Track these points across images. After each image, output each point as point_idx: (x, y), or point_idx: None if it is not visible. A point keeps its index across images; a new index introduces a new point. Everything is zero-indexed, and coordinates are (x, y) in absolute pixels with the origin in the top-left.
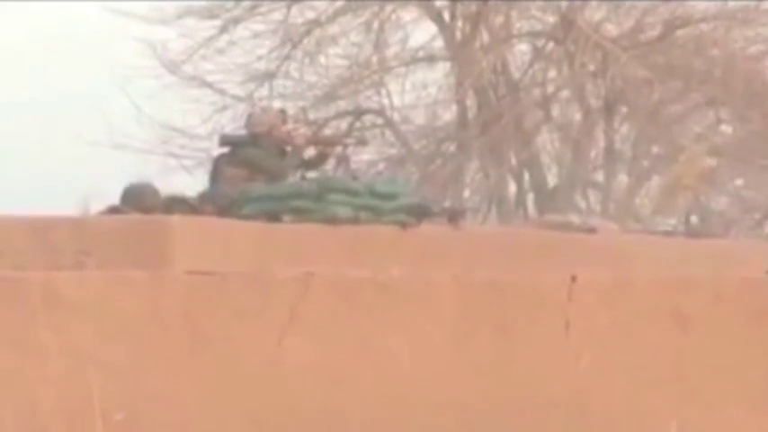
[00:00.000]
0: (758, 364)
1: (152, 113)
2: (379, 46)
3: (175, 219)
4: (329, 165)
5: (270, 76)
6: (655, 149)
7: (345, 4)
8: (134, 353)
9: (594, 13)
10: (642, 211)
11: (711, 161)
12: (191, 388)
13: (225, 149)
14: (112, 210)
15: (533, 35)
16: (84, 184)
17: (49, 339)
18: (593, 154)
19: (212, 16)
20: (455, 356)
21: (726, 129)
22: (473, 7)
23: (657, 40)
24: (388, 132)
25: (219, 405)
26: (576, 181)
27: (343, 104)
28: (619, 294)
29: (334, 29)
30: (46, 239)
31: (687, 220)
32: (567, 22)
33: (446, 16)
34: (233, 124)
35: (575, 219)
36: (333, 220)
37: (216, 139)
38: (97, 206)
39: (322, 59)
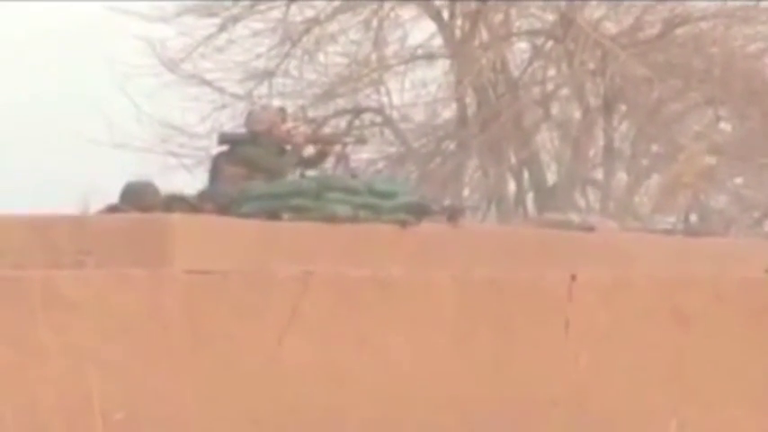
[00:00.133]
0: (758, 362)
1: (151, 112)
2: (378, 44)
3: (175, 217)
4: (328, 163)
5: (269, 74)
6: (654, 148)
7: (344, 2)
8: (134, 352)
9: (594, 11)
10: (641, 210)
11: (711, 159)
12: (190, 387)
13: (224, 148)
14: (112, 208)
15: (533, 33)
16: (84, 183)
17: (49, 338)
18: (592, 152)
19: (211, 14)
20: (454, 355)
21: (725, 127)
22: (472, 5)
23: (657, 38)
24: (387, 131)
25: (219, 404)
26: (575, 179)
27: (342, 103)
28: (618, 293)
29: (333, 27)
30: (46, 238)
31: (687, 219)
32: (566, 21)
33: (445, 14)
34: (232, 122)
35: (574, 217)
36: (332, 219)
37: (215, 138)
38: (97, 205)
39: (321, 58)
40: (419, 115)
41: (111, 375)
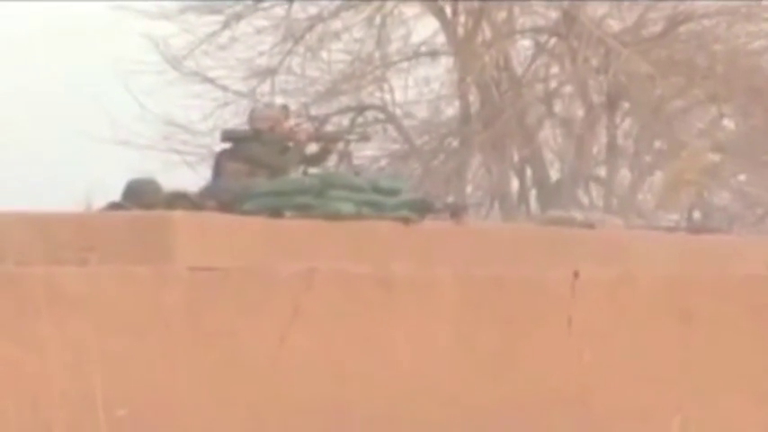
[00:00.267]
0: (761, 359)
1: (154, 109)
2: (381, 42)
3: (178, 214)
4: (331, 160)
5: (272, 71)
6: (657, 145)
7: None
8: (136, 348)
9: (597, 8)
10: (645, 207)
11: (714, 157)
12: (193, 383)
13: (227, 145)
14: (114, 206)
15: (536, 31)
16: (87, 180)
17: (52, 334)
18: (595, 149)
19: (214, 12)
20: (457, 352)
21: (728, 124)
22: (475, 3)
23: (660, 35)
24: (390, 128)
25: (222, 400)
26: (578, 176)
27: (345, 100)
28: (621, 290)
29: (336, 24)
30: (48, 235)
31: (690, 216)
32: (569, 18)
33: (448, 12)
34: (235, 120)
35: (577, 214)
36: (335, 216)
37: (218, 135)
38: (100, 202)
39: (324, 55)
40: (422, 112)
41: (114, 372)
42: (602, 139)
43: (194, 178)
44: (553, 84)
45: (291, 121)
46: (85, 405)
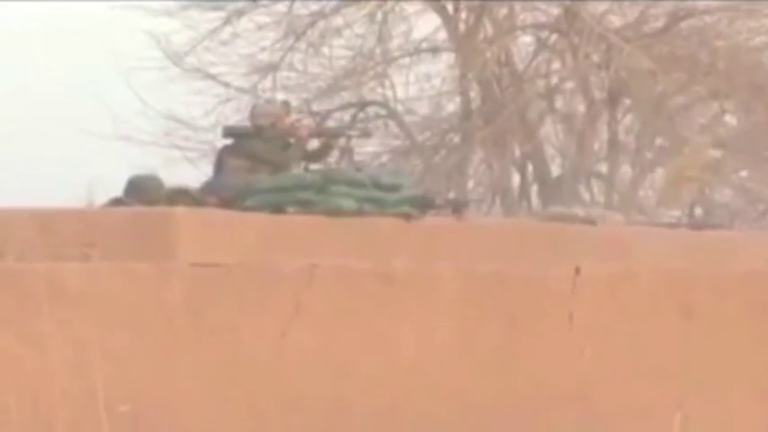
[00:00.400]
0: (762, 355)
1: (156, 105)
2: (382, 38)
3: (179, 210)
4: (333, 156)
5: (273, 67)
6: (659, 141)
7: None
8: (138, 344)
9: (598, 4)
10: (646, 203)
11: (715, 153)
12: (195, 379)
13: (229, 141)
14: (116, 202)
15: (537, 27)
16: (89, 176)
17: (54, 331)
18: (596, 145)
19: (216, 8)
20: (458, 348)
21: (730, 120)
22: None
23: (661, 31)
24: (391, 124)
25: (224, 396)
26: (579, 173)
27: (346, 96)
28: (622, 286)
29: (337, 20)
30: (50, 231)
31: (691, 212)
32: (570, 14)
33: (450, 8)
34: (237, 116)
35: (579, 211)
36: (337, 212)
37: (220, 131)
38: (101, 198)
39: (326, 51)
40: (423, 108)
41: (116, 368)
42: (604, 135)
43: (196, 174)
44: (554, 80)
45: (293, 118)
46: (87, 401)
